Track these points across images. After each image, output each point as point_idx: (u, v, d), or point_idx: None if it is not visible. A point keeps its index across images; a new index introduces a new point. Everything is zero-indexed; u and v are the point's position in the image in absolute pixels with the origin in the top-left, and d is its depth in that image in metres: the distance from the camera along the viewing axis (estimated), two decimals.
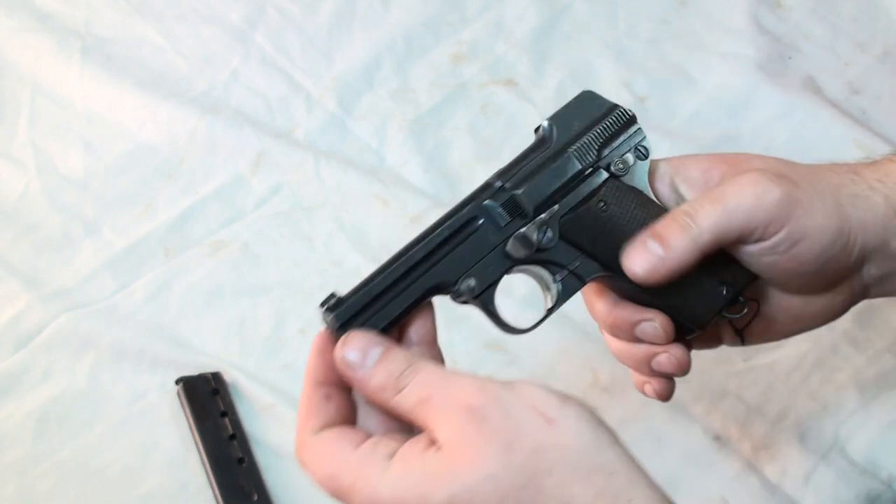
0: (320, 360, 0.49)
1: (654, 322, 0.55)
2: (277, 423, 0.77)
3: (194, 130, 0.93)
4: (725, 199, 0.51)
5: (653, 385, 0.58)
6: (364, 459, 0.45)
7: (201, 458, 0.74)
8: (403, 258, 0.51)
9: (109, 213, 0.89)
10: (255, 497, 0.72)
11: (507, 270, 0.53)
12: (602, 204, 0.54)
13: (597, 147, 0.55)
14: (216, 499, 0.72)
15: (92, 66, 0.96)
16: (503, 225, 0.52)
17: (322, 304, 0.50)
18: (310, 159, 0.92)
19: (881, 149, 0.89)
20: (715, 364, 0.78)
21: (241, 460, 0.74)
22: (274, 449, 0.76)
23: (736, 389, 0.76)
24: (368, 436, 0.47)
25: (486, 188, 0.54)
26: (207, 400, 0.76)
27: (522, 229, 0.53)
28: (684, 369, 0.56)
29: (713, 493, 0.72)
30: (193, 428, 0.75)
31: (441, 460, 0.43)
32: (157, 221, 0.88)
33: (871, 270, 0.55)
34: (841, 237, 0.52)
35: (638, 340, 0.56)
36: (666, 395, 0.58)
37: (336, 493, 0.46)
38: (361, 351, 0.47)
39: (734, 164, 0.55)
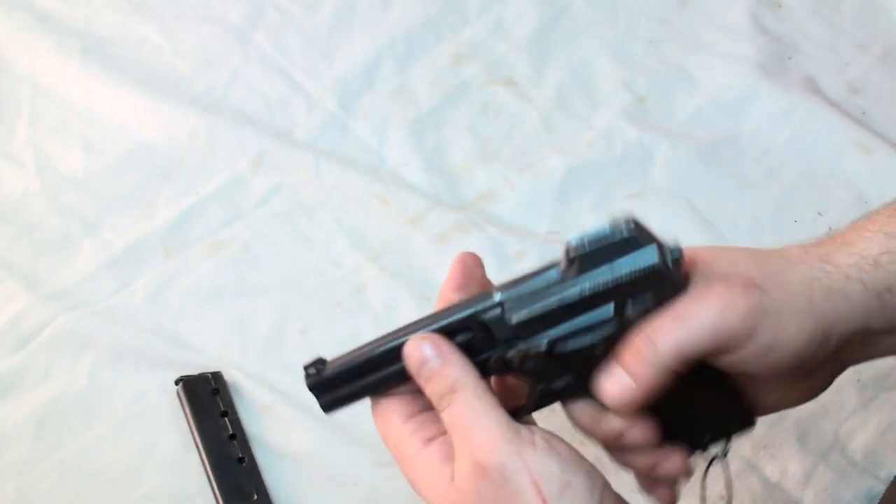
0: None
1: (637, 428, 0.53)
2: (277, 423, 0.77)
3: (194, 130, 0.93)
4: (688, 319, 0.49)
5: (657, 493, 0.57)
6: (405, 434, 0.51)
7: (201, 458, 0.74)
8: (389, 343, 0.51)
9: (109, 213, 0.89)
10: (255, 497, 0.72)
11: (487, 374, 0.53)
12: (598, 347, 0.51)
13: (613, 297, 0.50)
14: (216, 499, 0.72)
15: (92, 66, 0.96)
16: (490, 342, 0.51)
17: (306, 367, 0.52)
18: (310, 159, 0.92)
19: (881, 149, 0.89)
20: None
21: (241, 460, 0.74)
22: (274, 449, 0.76)
23: None
24: (425, 408, 0.51)
25: (485, 298, 0.51)
26: (207, 400, 0.76)
27: (508, 354, 0.51)
28: (684, 472, 0.55)
29: (713, 492, 0.72)
30: (193, 428, 0.75)
31: (446, 485, 0.48)
32: (157, 221, 0.88)
33: (853, 349, 0.54)
34: (815, 338, 0.50)
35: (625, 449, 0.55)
36: (670, 501, 0.57)
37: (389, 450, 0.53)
38: (420, 360, 0.50)
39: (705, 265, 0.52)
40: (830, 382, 0.57)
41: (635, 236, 0.49)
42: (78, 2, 1.01)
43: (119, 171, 0.92)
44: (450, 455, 0.49)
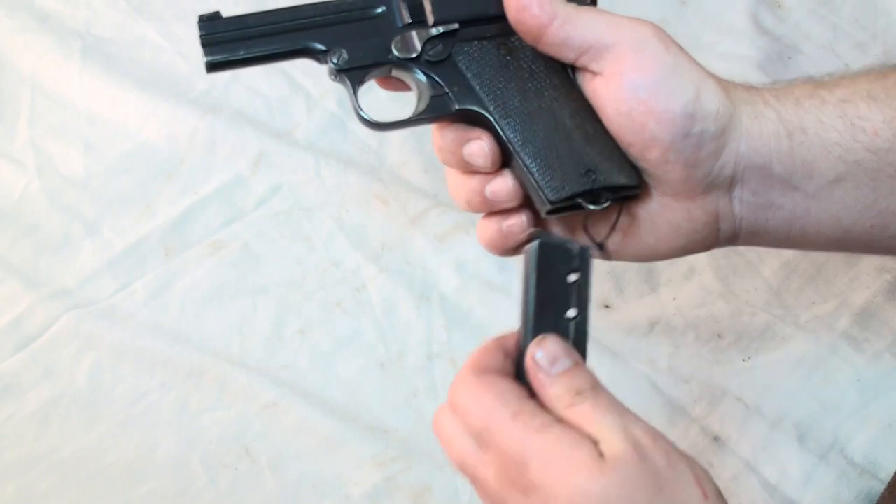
0: (512, 338, 0.51)
1: (481, 141, 0.54)
2: (278, 423, 0.77)
3: (194, 130, 0.93)
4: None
5: (499, 228, 0.57)
6: (525, 412, 0.46)
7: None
8: (293, 9, 0.53)
9: (109, 213, 0.89)
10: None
11: (384, 63, 0.54)
12: (506, 51, 0.54)
13: None
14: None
15: (92, 66, 0.96)
16: (399, 24, 0.53)
17: (201, 16, 0.54)
18: (310, 159, 0.92)
19: None
20: (714, 364, 0.78)
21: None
22: (274, 449, 0.76)
23: (735, 390, 0.77)
24: (531, 398, 0.48)
25: None
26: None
27: (413, 31, 0.53)
28: (514, 196, 0.55)
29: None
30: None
31: (595, 458, 0.44)
32: (157, 221, 0.88)
33: (744, 195, 0.53)
34: (699, 103, 0.51)
35: (469, 169, 0.56)
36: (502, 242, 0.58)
37: (482, 433, 0.47)
38: (551, 357, 0.48)
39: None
40: (713, 236, 0.55)
41: None
42: (78, 2, 1.00)
43: (119, 171, 0.91)
44: (584, 437, 0.45)
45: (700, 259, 0.82)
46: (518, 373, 0.51)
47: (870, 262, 0.80)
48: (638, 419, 0.47)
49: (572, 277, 0.50)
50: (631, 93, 0.52)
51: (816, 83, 0.54)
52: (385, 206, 0.89)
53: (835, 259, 0.81)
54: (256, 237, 0.88)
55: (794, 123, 0.51)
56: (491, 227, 0.57)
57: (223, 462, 0.76)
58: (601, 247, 0.56)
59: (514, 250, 0.57)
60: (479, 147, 0.54)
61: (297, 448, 0.76)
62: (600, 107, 0.54)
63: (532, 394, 0.49)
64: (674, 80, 0.51)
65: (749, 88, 0.54)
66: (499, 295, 0.82)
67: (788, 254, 0.82)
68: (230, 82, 0.97)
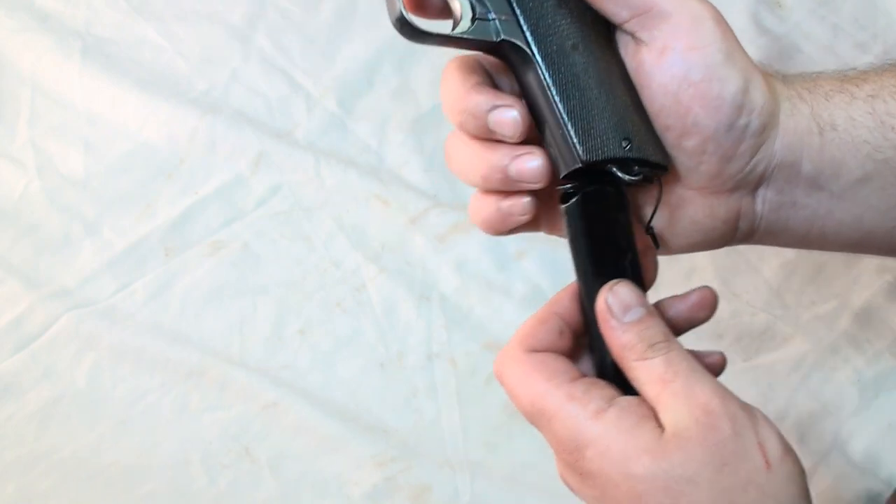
0: (572, 301, 0.49)
1: (512, 109, 0.49)
2: (278, 423, 0.77)
3: (194, 130, 0.93)
4: None
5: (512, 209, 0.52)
6: (577, 395, 0.45)
7: None
8: None
9: (109, 213, 0.89)
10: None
11: None
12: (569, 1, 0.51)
13: None
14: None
15: (92, 66, 0.96)
16: None
17: None
18: (310, 159, 0.92)
19: None
20: None
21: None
22: (275, 449, 0.76)
23: (735, 390, 0.76)
24: (583, 377, 0.47)
25: None
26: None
27: None
28: (543, 176, 0.50)
29: None
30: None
31: (655, 440, 0.43)
32: (157, 221, 0.88)
33: (769, 194, 0.51)
34: (742, 89, 0.48)
35: (490, 137, 0.51)
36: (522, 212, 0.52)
37: (533, 416, 0.46)
38: (624, 304, 0.47)
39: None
40: (731, 232, 0.52)
41: None
42: (78, 2, 1.00)
43: (119, 171, 0.91)
44: (643, 413, 0.44)
45: (700, 259, 0.82)
46: (584, 331, 0.49)
47: (870, 262, 0.80)
48: (707, 374, 0.45)
49: (616, 217, 0.49)
50: (683, 73, 0.48)
51: (842, 77, 0.52)
52: (385, 206, 0.89)
53: (835, 259, 0.81)
54: (256, 237, 0.88)
55: (825, 119, 0.49)
56: (489, 206, 0.53)
57: (223, 462, 0.76)
58: (650, 230, 0.52)
59: (510, 232, 0.54)
60: (509, 115, 0.49)
61: (297, 448, 0.76)
62: (644, 82, 0.50)
63: (595, 373, 0.48)
64: (727, 68, 0.48)
65: (785, 80, 0.52)
66: (499, 295, 0.82)
67: (789, 254, 0.82)
68: (230, 82, 0.97)
